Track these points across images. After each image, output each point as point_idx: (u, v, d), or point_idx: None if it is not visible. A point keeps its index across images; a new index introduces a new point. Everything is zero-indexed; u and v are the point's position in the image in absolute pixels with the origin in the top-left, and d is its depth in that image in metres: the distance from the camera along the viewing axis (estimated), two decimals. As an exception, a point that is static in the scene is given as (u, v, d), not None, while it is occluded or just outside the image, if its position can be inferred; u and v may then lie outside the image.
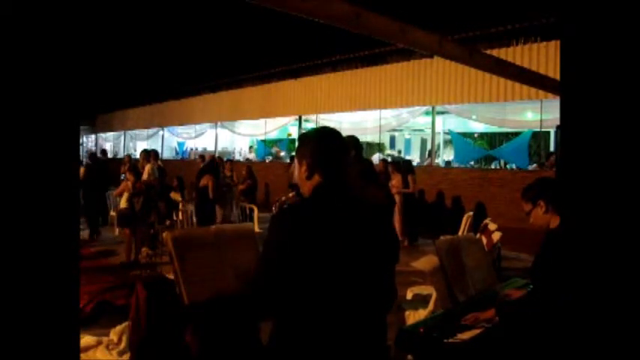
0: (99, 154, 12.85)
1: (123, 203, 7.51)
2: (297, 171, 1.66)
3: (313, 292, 1.48)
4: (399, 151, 15.67)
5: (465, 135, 13.71)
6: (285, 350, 1.51)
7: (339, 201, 1.59)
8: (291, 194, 1.95)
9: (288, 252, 1.46)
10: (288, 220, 1.52)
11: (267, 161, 16.51)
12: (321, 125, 13.30)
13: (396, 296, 1.69)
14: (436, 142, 12.67)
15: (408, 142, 16.62)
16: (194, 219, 7.33)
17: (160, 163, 9.99)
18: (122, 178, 8.83)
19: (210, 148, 18.63)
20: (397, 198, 8.79)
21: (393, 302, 1.69)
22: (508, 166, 11.57)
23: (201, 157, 12.18)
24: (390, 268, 1.68)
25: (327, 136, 1.68)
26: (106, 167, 11.35)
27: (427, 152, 13.73)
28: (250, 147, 18.75)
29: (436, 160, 12.40)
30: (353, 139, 3.90)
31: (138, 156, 12.27)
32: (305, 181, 1.62)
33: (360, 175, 3.66)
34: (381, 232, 1.65)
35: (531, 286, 2.90)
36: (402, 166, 9.69)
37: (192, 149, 20.11)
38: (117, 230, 8.39)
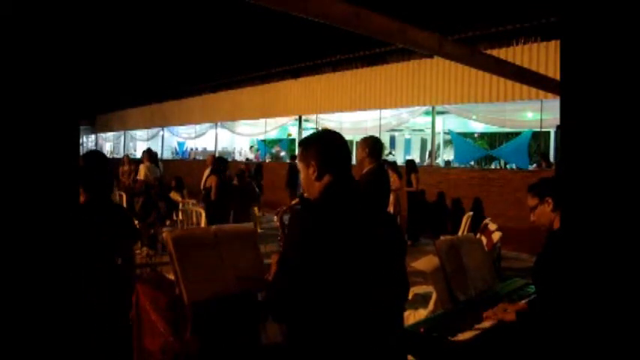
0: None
1: None
2: (304, 174, 1.68)
3: (336, 292, 1.49)
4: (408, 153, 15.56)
5: (465, 135, 13.72)
6: (306, 351, 1.52)
7: (351, 199, 1.63)
8: (294, 201, 1.95)
9: (311, 253, 1.48)
10: (309, 221, 1.54)
11: (267, 161, 16.52)
12: (321, 125, 13.38)
13: (408, 287, 1.74)
14: (436, 142, 12.67)
15: (408, 142, 16.60)
16: (202, 220, 7.24)
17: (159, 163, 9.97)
18: None
19: (211, 148, 18.65)
20: (392, 197, 8.80)
21: (408, 292, 1.76)
22: (508, 166, 11.57)
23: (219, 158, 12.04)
24: (401, 261, 1.74)
25: (330, 136, 1.72)
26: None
27: (427, 152, 13.72)
28: (251, 147, 18.73)
29: (436, 160, 12.40)
30: (371, 139, 3.91)
31: (138, 156, 12.22)
32: (314, 183, 1.65)
33: (371, 174, 3.69)
34: (390, 227, 1.71)
35: (532, 287, 2.90)
36: (406, 165, 9.70)
37: (192, 149, 20.13)
38: None
